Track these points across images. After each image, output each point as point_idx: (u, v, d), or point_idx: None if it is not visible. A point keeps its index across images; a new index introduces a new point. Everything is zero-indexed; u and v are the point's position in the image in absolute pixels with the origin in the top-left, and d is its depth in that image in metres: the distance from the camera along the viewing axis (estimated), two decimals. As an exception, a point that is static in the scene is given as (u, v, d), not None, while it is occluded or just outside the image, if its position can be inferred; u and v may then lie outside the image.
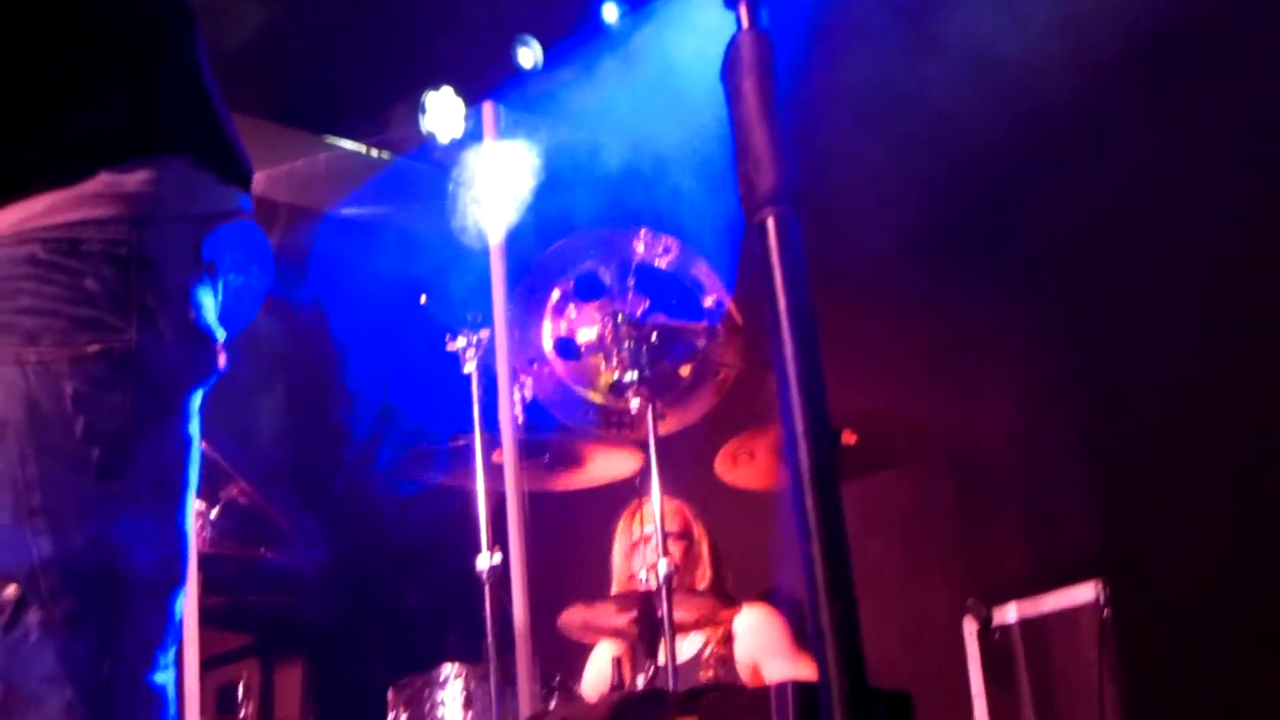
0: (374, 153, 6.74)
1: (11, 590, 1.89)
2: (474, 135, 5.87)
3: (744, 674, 5.46)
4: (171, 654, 2.03)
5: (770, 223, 1.65)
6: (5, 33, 2.01)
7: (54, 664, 1.89)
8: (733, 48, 1.72)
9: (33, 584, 1.89)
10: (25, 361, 1.92)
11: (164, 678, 2.00)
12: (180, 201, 2.07)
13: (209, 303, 2.09)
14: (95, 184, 1.99)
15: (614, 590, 5.64)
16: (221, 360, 2.11)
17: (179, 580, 2.03)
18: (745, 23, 1.72)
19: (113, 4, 2.14)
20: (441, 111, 6.22)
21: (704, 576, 5.58)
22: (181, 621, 2.05)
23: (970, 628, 5.28)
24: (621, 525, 5.72)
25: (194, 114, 2.17)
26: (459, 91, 6.28)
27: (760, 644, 5.52)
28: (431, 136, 6.20)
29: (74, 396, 1.92)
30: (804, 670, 5.25)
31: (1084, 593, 5.01)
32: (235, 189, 2.19)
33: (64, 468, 1.92)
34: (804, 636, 5.51)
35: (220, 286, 2.15)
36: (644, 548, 5.30)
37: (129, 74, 2.08)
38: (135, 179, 2.02)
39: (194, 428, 2.08)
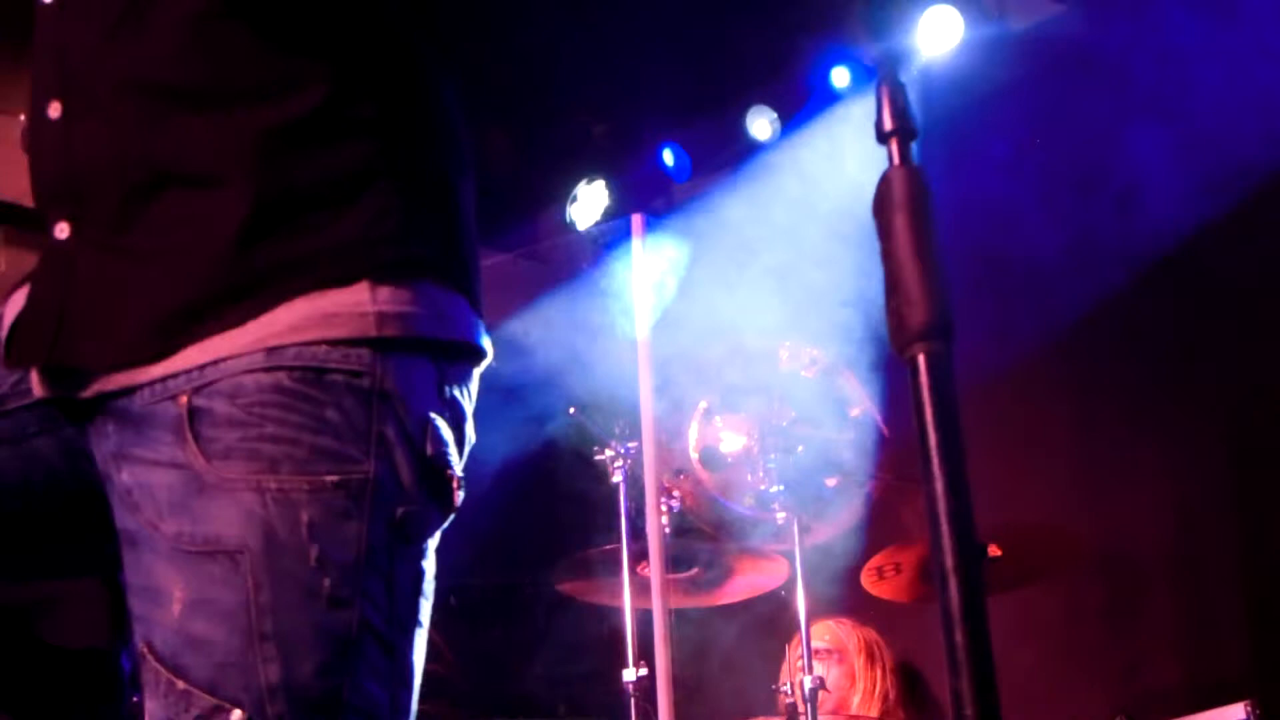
0: (522, 262, 6.82)
1: (238, 715, 1.89)
2: (621, 242, 5.92)
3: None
4: None
5: (921, 359, 1.65)
6: (281, 129, 2.01)
7: None
8: (884, 184, 1.72)
9: (259, 709, 1.90)
10: (265, 489, 1.92)
11: None
12: (429, 324, 2.05)
13: (449, 436, 2.08)
14: (343, 299, 1.99)
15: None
16: (458, 496, 2.10)
17: (404, 714, 2.03)
18: (897, 158, 1.73)
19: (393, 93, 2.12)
20: (589, 204, 6.30)
21: (865, 696, 5.53)
22: None
23: (1120, 744, 5.20)
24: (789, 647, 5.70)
25: (450, 228, 2.15)
26: (609, 185, 6.35)
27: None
28: (579, 238, 6.27)
29: (309, 525, 1.93)
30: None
31: (1234, 713, 4.91)
32: (480, 319, 2.17)
33: (296, 595, 1.92)
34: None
35: (463, 422, 2.14)
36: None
37: (393, 183, 2.06)
38: (385, 296, 2.01)
39: (428, 564, 2.08)
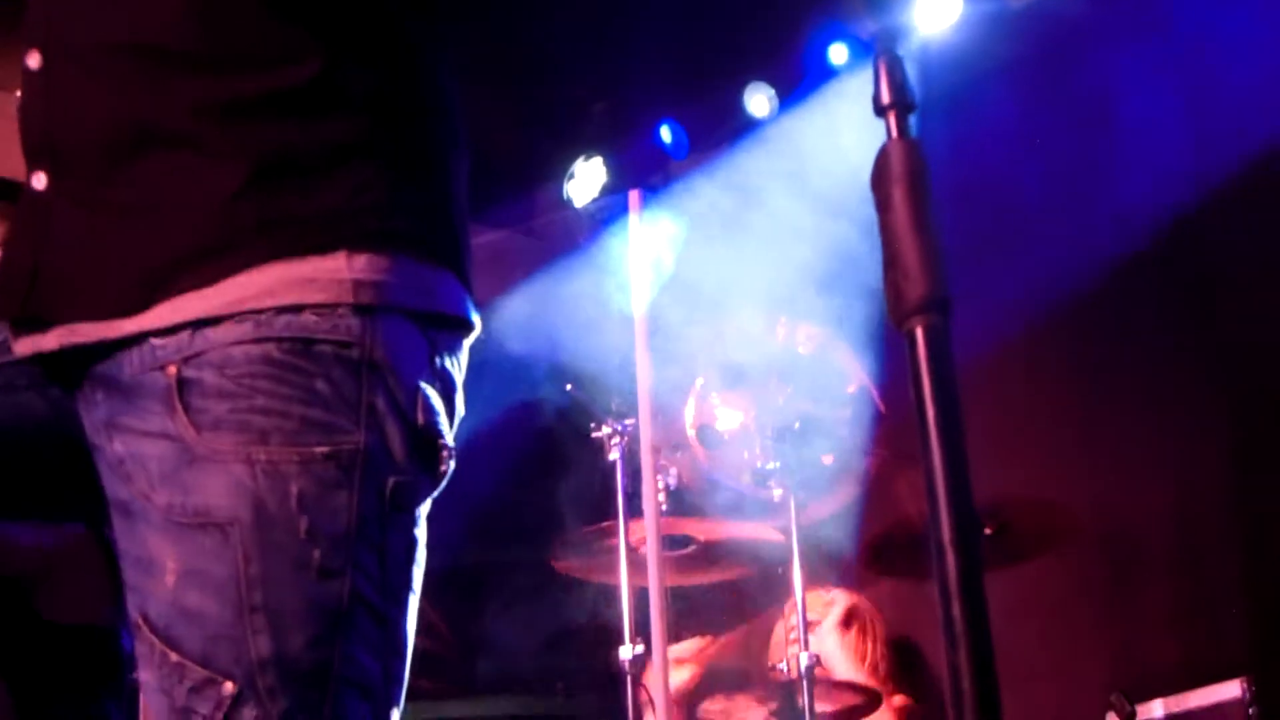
0: (519, 238, 6.81)
1: (229, 687, 1.89)
2: (618, 218, 5.91)
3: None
4: None
5: (919, 332, 1.64)
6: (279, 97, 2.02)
7: None
8: (882, 156, 1.71)
9: (250, 681, 1.90)
10: (255, 460, 1.92)
11: None
12: (407, 295, 2.05)
13: (439, 406, 2.08)
14: (321, 265, 1.99)
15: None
16: (448, 465, 2.09)
17: (397, 684, 2.03)
18: (894, 131, 1.73)
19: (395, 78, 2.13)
20: (586, 181, 6.29)
21: (854, 669, 5.53)
22: None
23: (1114, 723, 5.19)
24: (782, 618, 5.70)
25: (438, 203, 2.16)
26: (607, 162, 6.35)
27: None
28: (576, 214, 6.26)
29: (299, 496, 1.93)
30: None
31: (1230, 690, 4.91)
32: (468, 292, 2.17)
33: (286, 567, 1.92)
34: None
35: (453, 392, 2.14)
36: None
37: (382, 157, 2.08)
38: (362, 264, 2.01)
39: (420, 532, 2.08)
